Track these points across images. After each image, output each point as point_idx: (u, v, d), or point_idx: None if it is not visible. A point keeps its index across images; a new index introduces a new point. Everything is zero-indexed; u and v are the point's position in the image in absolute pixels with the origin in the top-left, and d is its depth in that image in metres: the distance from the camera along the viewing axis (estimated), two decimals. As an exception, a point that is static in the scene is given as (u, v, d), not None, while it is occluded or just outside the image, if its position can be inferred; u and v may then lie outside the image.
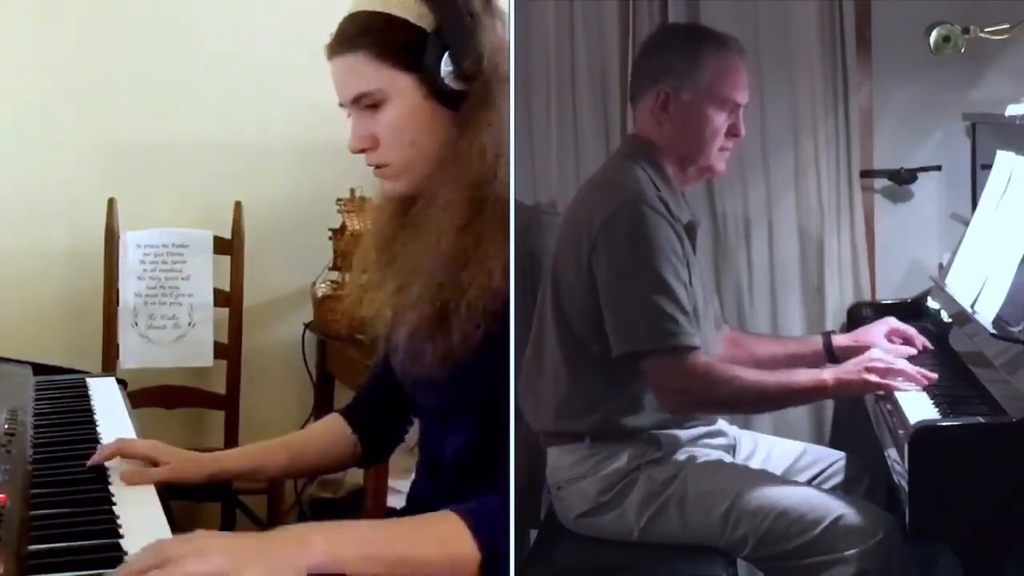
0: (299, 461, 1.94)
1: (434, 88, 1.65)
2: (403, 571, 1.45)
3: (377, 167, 1.71)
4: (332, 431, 1.94)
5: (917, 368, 2.09)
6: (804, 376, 2.12)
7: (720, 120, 2.19)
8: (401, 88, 1.66)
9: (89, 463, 1.74)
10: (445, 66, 1.63)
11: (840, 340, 2.37)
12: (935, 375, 2.08)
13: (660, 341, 2.03)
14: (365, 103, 1.68)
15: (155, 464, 1.78)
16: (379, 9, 1.66)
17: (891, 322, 2.33)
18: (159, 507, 1.65)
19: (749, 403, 2.15)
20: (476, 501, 1.51)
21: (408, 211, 1.71)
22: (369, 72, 1.66)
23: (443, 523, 1.48)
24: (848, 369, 2.10)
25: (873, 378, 2.07)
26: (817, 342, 2.39)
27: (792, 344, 2.44)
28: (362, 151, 1.71)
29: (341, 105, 1.72)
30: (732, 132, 2.21)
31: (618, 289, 2.07)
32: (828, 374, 2.09)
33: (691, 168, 2.22)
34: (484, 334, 1.59)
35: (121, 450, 1.78)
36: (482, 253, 1.61)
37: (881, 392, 2.08)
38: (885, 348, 2.23)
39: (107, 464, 1.76)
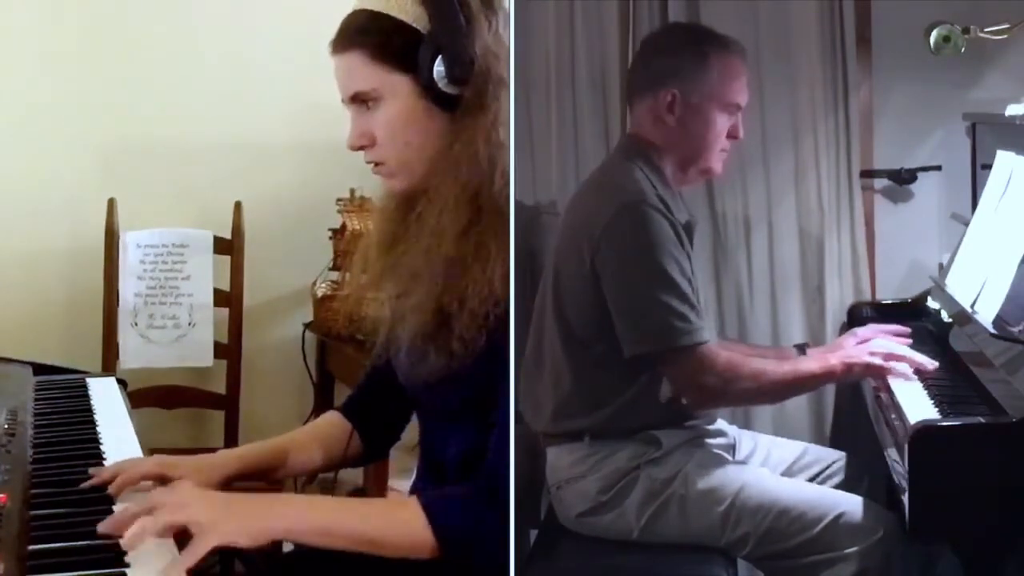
0: (328, 458, 1.92)
1: (429, 90, 1.65)
2: (359, 547, 1.55)
3: (375, 164, 1.73)
4: (335, 428, 1.93)
5: (917, 355, 2.13)
6: (814, 363, 2.17)
7: (723, 123, 2.20)
8: (396, 88, 1.66)
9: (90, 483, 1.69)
10: (438, 68, 1.64)
11: (813, 352, 2.37)
12: (935, 363, 2.12)
13: (674, 340, 2.04)
14: (362, 101, 1.69)
15: (164, 479, 1.73)
16: (378, 9, 1.67)
17: (858, 333, 2.33)
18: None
19: (768, 394, 2.21)
20: (440, 489, 1.60)
21: (410, 211, 1.71)
22: (366, 71, 1.66)
23: (403, 507, 1.58)
24: (851, 354, 2.16)
25: (877, 360, 2.12)
26: (792, 352, 2.40)
27: (769, 354, 2.44)
28: (360, 148, 1.72)
29: (343, 101, 1.72)
30: (732, 134, 2.23)
31: (626, 291, 2.07)
32: (835, 358, 2.15)
33: (691, 169, 2.23)
34: (486, 337, 1.60)
35: (127, 481, 1.68)
36: (483, 257, 1.61)
37: (884, 374, 2.12)
38: (886, 337, 2.25)
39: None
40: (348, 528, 1.55)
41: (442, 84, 1.64)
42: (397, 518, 1.57)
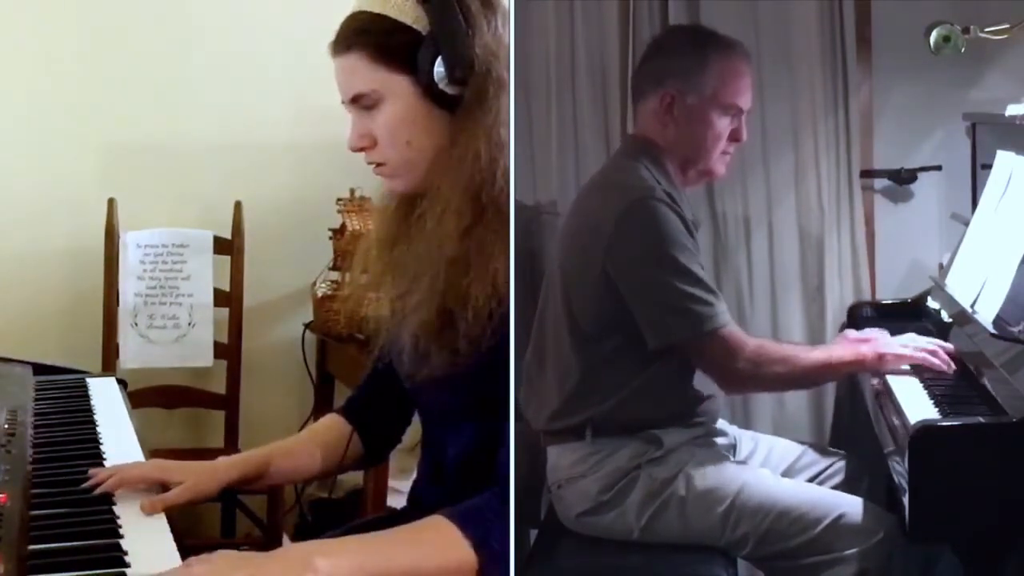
0: (328, 461, 1.90)
1: (429, 91, 1.65)
2: None
3: (376, 165, 1.72)
4: (334, 431, 1.93)
5: (943, 355, 2.14)
6: (844, 351, 2.18)
7: (723, 124, 2.20)
8: (397, 89, 1.66)
9: (96, 492, 1.67)
10: (438, 68, 1.64)
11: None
12: (955, 366, 2.13)
13: (700, 326, 2.06)
14: (363, 103, 1.68)
15: (162, 484, 1.72)
16: (377, 10, 1.67)
17: (850, 335, 2.33)
18: (159, 507, 1.65)
19: (799, 379, 2.21)
20: (465, 503, 1.52)
21: (411, 211, 1.71)
22: (366, 72, 1.66)
23: (437, 530, 1.48)
24: (885, 343, 2.17)
25: (908, 351, 2.14)
26: None
27: None
28: (361, 149, 1.71)
29: (343, 103, 1.72)
30: (734, 137, 2.23)
31: (645, 285, 2.08)
32: (867, 348, 2.16)
33: (692, 170, 2.23)
34: (489, 336, 1.59)
35: (123, 481, 1.69)
36: (485, 257, 1.61)
37: (918, 364, 2.14)
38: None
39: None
40: (386, 567, 1.45)
41: (442, 85, 1.64)
42: (441, 544, 1.47)
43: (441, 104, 1.66)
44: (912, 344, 2.16)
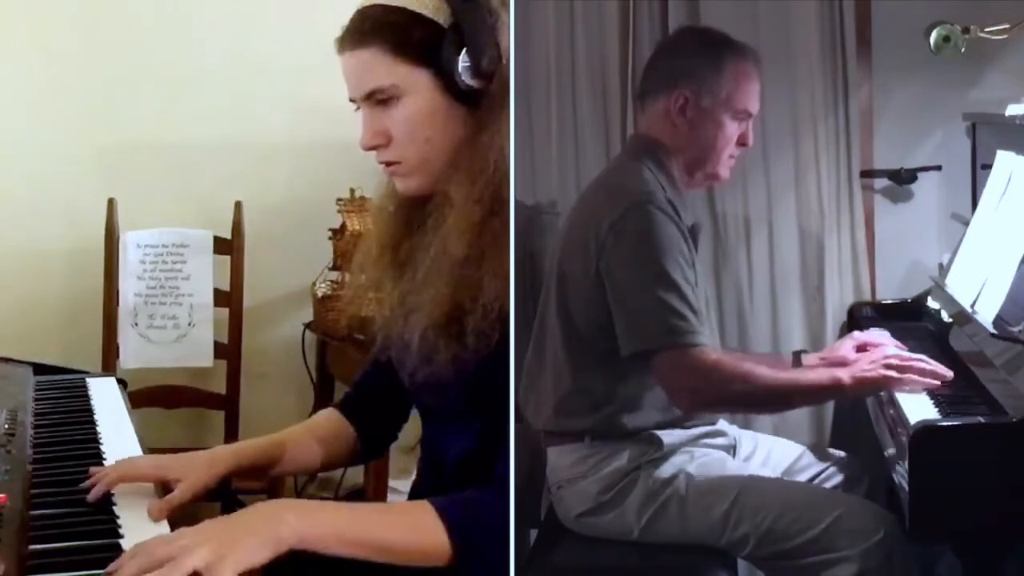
0: (328, 455, 1.90)
1: (450, 85, 1.62)
2: (373, 554, 1.48)
3: (389, 164, 1.69)
4: (332, 425, 1.92)
5: (933, 364, 2.08)
6: (819, 375, 2.12)
7: (733, 129, 2.20)
8: (417, 84, 1.63)
9: (91, 496, 1.63)
10: (462, 63, 1.61)
11: (810, 359, 2.35)
12: (951, 373, 2.07)
13: (669, 339, 2.03)
14: (379, 98, 1.65)
15: (163, 483, 1.71)
16: (396, 3, 1.64)
17: (856, 336, 2.31)
18: (159, 507, 1.65)
19: (761, 401, 2.12)
20: (455, 494, 1.53)
21: (416, 211, 1.70)
22: (384, 67, 1.63)
23: (417, 511, 1.51)
24: (864, 367, 2.09)
25: (893, 373, 2.06)
26: (788, 360, 2.38)
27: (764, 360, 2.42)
28: (374, 148, 1.68)
29: (352, 100, 1.69)
30: (741, 141, 2.22)
31: (628, 289, 2.07)
32: (844, 373, 2.07)
33: (698, 173, 2.22)
34: (497, 335, 1.58)
35: (124, 477, 1.68)
36: (498, 253, 1.59)
37: (897, 388, 2.06)
38: (895, 345, 2.23)
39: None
40: (356, 533, 1.47)
41: (466, 78, 1.62)
42: (416, 524, 1.50)
43: (461, 99, 1.64)
44: (896, 360, 2.08)
